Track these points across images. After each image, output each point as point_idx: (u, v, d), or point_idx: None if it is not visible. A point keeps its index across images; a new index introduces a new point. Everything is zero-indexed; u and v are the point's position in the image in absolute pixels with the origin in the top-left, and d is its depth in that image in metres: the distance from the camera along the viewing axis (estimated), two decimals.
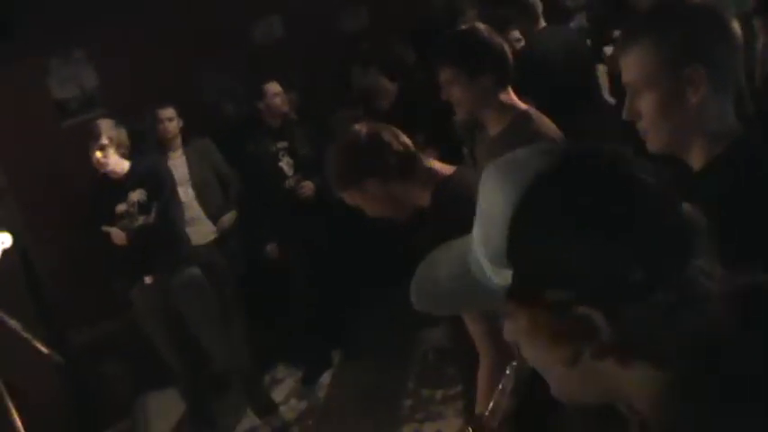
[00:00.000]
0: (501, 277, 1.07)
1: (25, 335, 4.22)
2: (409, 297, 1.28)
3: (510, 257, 1.05)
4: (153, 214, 5.08)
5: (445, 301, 1.22)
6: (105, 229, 5.07)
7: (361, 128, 2.63)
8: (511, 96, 3.24)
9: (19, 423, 4.28)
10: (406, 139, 2.63)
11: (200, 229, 6.00)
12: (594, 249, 0.99)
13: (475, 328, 2.40)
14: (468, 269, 1.13)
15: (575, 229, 1.00)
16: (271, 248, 6.09)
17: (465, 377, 2.56)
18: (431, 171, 2.62)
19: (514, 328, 1.12)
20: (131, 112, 5.22)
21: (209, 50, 7.04)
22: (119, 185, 5.13)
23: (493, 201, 1.07)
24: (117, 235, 5.06)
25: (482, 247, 1.10)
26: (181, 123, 6.10)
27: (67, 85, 6.90)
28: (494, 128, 3.23)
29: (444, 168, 2.66)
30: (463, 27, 3.54)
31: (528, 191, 1.03)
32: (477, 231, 1.11)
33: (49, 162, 6.58)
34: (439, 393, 5.45)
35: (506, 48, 3.22)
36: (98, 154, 5.05)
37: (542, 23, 5.59)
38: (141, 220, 5.07)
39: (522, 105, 3.23)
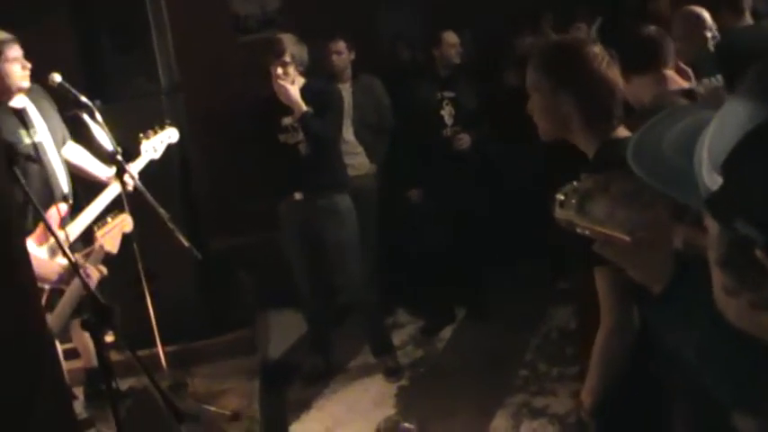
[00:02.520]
0: (711, 180, 1.03)
1: (171, 226, 4.41)
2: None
3: (723, 168, 1.00)
4: (314, 133, 5.14)
5: (660, 167, 1.18)
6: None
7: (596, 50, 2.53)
8: None
9: (150, 306, 4.49)
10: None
11: (356, 161, 6.08)
12: None
13: (602, 283, 2.36)
14: (691, 147, 1.09)
15: None
16: (414, 193, 6.10)
17: (584, 357, 2.52)
18: (613, 128, 2.53)
19: (705, 236, 1.09)
20: (306, 40, 5.28)
21: None
22: None
23: (739, 106, 1.01)
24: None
25: (708, 139, 1.05)
26: (352, 57, 6.14)
27: (249, 2, 7.07)
28: None
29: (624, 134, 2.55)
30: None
31: None
32: (713, 124, 1.06)
33: (220, 73, 6.77)
34: (555, 370, 5.41)
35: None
36: (279, 70, 5.13)
37: (748, 19, 5.30)
38: (301, 136, 5.15)
39: None
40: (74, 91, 4.38)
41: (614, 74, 2.47)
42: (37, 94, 4.57)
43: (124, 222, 4.13)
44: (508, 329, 6.02)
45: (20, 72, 4.35)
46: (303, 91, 5.22)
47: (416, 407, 5.21)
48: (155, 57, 5.35)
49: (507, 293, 6.47)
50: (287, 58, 5.11)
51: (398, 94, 6.28)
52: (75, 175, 4.75)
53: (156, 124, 4.76)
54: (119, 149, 4.37)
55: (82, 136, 4.65)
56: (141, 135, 4.65)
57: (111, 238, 4.01)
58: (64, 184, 4.55)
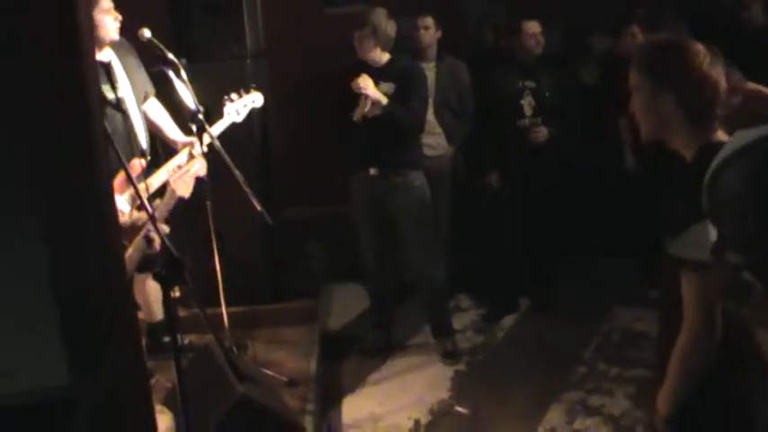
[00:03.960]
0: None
1: (246, 188, 4.44)
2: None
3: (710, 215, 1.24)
4: (400, 123, 5.14)
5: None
6: None
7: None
8: None
9: (218, 265, 4.54)
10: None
11: (434, 141, 6.05)
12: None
13: (688, 287, 2.31)
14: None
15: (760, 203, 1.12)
16: (493, 178, 6.07)
17: (663, 363, 2.48)
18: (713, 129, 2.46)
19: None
20: (392, 16, 5.26)
21: None
22: (372, 75, 5.16)
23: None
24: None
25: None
26: (438, 34, 6.10)
27: None
28: None
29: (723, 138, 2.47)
30: None
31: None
32: None
33: (305, 42, 6.79)
34: (614, 371, 5.35)
35: None
36: (361, 40, 5.14)
37: None
38: (380, 111, 5.14)
39: None
40: (161, 47, 4.43)
41: (717, 73, 2.39)
42: (123, 49, 4.63)
43: (198, 166, 4.16)
44: (570, 325, 5.97)
45: (112, 24, 4.41)
46: (386, 67, 5.22)
47: (471, 392, 5.20)
48: (243, 21, 5.38)
49: (573, 288, 6.42)
50: (369, 28, 5.10)
51: (480, 78, 6.22)
52: (153, 133, 4.83)
53: (240, 88, 4.79)
54: (201, 108, 4.42)
55: (164, 93, 4.71)
56: (225, 97, 4.68)
57: (183, 182, 4.03)
58: (142, 139, 4.61)
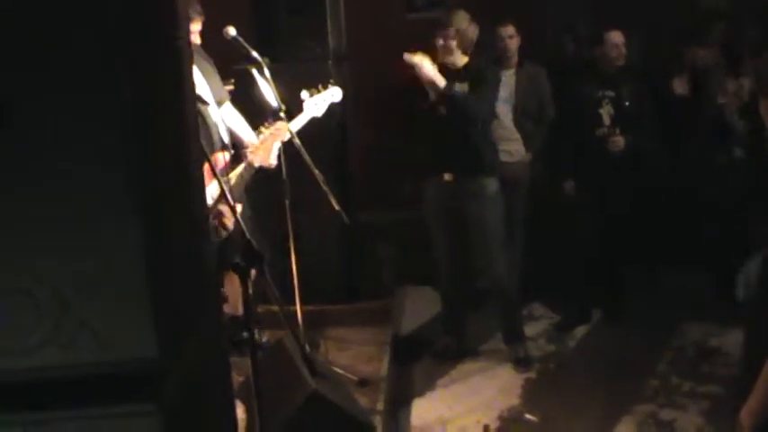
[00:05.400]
0: None
1: (325, 187, 4.48)
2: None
3: None
4: (460, 109, 5.12)
5: None
6: None
7: None
8: None
9: (294, 264, 4.59)
10: None
11: (512, 147, 6.04)
12: None
13: None
14: None
15: None
16: (569, 186, 6.02)
17: (749, 377, 2.44)
18: None
19: None
20: (474, 20, 5.26)
21: None
22: (450, 77, 5.17)
23: None
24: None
25: None
26: (519, 42, 6.09)
27: None
28: None
29: None
30: None
31: None
32: None
33: (386, 46, 6.81)
34: (687, 385, 5.27)
35: None
36: (440, 41, 5.16)
37: None
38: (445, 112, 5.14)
39: None
40: (246, 45, 4.51)
41: None
42: (199, 55, 4.70)
43: (281, 130, 4.17)
44: (642, 337, 5.90)
45: (193, 27, 4.50)
46: (463, 69, 5.23)
47: (541, 401, 5.16)
48: (326, 22, 5.47)
49: (646, 300, 6.34)
50: (451, 31, 5.11)
51: (560, 85, 6.19)
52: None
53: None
54: (283, 107, 4.48)
55: (247, 91, 4.78)
56: (305, 91, 4.71)
57: (264, 150, 4.06)
58: (224, 135, 4.68)
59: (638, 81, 6.07)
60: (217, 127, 4.61)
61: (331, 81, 4.86)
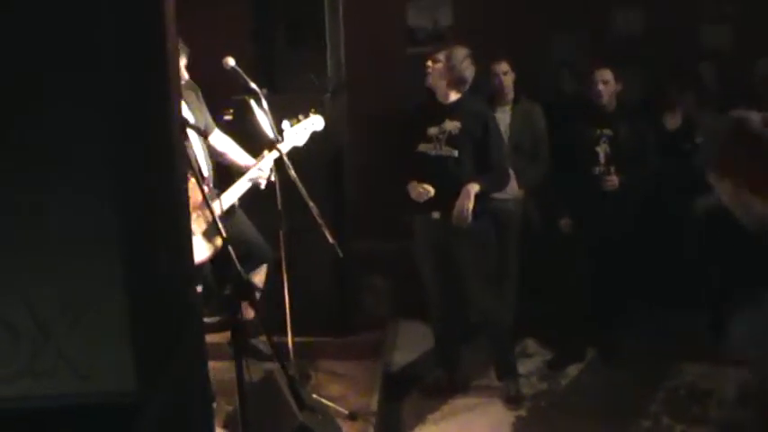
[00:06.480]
0: None
1: (320, 220, 4.48)
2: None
3: None
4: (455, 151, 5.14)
5: None
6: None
7: None
8: None
9: (287, 291, 4.58)
10: None
11: None
12: None
13: None
14: None
15: None
16: (565, 223, 6.00)
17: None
18: None
19: None
20: (473, 58, 5.29)
21: (567, 23, 7.08)
22: (440, 112, 5.20)
23: None
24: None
25: None
26: (514, 77, 6.09)
27: (424, 15, 7.23)
28: None
29: None
30: None
31: None
32: None
33: (385, 79, 6.88)
34: (679, 428, 5.24)
35: None
36: (430, 63, 5.19)
37: None
38: (445, 150, 5.15)
39: None
40: (244, 76, 4.53)
41: None
42: (187, 86, 4.71)
43: (315, 121, 4.28)
44: (636, 377, 5.86)
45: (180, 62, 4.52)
46: (455, 105, 5.24)
47: None
48: (325, 54, 5.47)
49: (640, 340, 6.28)
50: (441, 56, 5.13)
51: (557, 122, 6.19)
52: (218, 163, 4.91)
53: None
54: (279, 138, 4.49)
55: (244, 121, 4.79)
56: (285, 121, 4.71)
57: (297, 134, 4.13)
58: (204, 169, 4.65)
59: (637, 118, 6.07)
60: (198, 161, 4.60)
61: (312, 110, 4.85)
